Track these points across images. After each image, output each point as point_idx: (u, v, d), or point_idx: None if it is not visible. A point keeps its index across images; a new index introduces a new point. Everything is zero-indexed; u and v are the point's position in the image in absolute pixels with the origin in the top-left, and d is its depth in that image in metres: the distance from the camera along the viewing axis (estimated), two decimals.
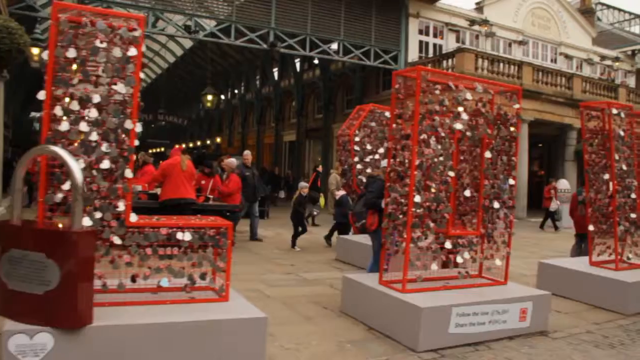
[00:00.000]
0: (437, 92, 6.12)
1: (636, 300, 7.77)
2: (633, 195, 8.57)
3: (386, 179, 6.43)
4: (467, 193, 6.65)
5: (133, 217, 4.85)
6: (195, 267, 5.18)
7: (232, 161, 12.54)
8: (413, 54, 24.06)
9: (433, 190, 6.07)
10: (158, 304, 4.98)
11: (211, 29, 20.67)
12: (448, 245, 6.27)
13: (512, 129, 6.77)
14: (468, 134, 6.37)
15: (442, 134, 6.11)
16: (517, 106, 6.79)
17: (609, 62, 32.27)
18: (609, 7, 42.89)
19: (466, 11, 27.01)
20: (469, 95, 6.28)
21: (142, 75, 4.90)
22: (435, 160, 6.08)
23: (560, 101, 23.81)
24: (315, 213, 12.59)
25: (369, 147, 11.13)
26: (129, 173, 4.78)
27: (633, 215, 8.60)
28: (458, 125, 6.20)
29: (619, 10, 43.36)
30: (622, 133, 8.35)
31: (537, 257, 12.66)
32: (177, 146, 11.21)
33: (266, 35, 21.03)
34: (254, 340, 4.82)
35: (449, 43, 25.83)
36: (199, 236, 5.10)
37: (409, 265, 6.12)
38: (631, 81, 33.42)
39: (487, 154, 6.55)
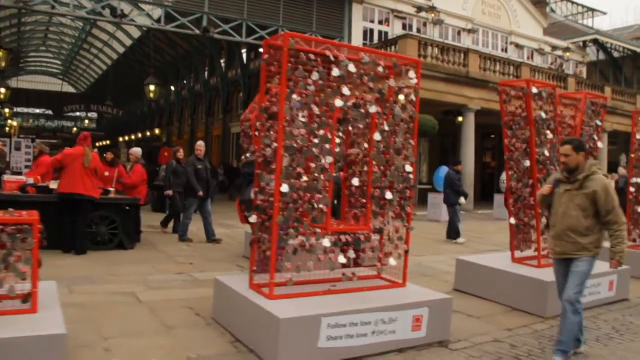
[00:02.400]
0: (313, 62, 5.17)
1: (555, 301, 6.93)
2: None
3: (256, 166, 5.48)
4: (356, 182, 5.74)
5: None
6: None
7: (138, 151, 11.47)
8: (357, 41, 23.13)
9: (306, 178, 5.13)
10: None
11: (140, 13, 19.51)
12: (327, 243, 5.33)
13: (409, 107, 5.85)
14: (352, 112, 5.42)
15: (317, 112, 5.17)
16: (414, 81, 5.87)
17: (560, 53, 31.89)
18: None
19: None
20: (352, 67, 5.34)
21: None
22: (309, 143, 5.14)
23: None
24: None
25: None
26: None
27: None
28: (338, 103, 5.26)
29: (573, 3, 43.22)
30: (544, 115, 7.51)
31: (471, 252, 11.90)
32: (84, 133, 10.03)
33: (200, 20, 19.89)
34: None
35: (396, 30, 24.96)
36: None
37: (285, 267, 5.21)
38: (583, 72, 33.16)
39: (377, 136, 5.62)
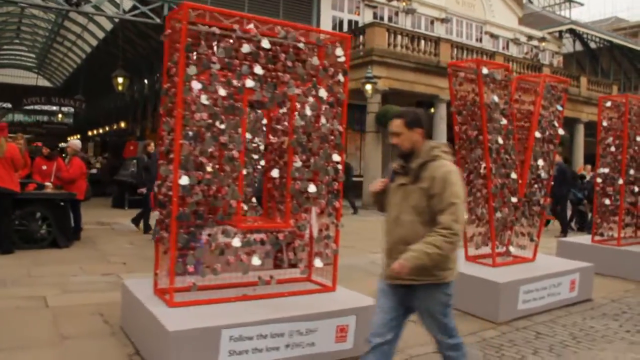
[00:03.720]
0: (217, 37, 4.53)
1: (509, 305, 6.35)
2: (513, 175, 7.15)
3: (160, 156, 4.83)
4: (275, 173, 5.11)
5: None
6: None
7: (76, 143, 10.75)
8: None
9: (209, 169, 4.48)
10: None
11: (99, 1, 18.70)
12: (237, 242, 4.68)
13: (336, 89, 5.21)
14: (265, 94, 4.76)
15: (223, 94, 4.51)
16: (342, 59, 5.24)
17: (535, 43, 31.48)
18: None
19: None
20: (265, 43, 4.70)
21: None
22: (214, 129, 4.49)
23: None
24: None
25: None
26: None
27: (514, 200, 7.20)
28: (249, 83, 4.61)
29: None
30: (497, 99, 6.90)
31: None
32: (0, 124, 9.28)
33: (160, 8, 19.13)
34: None
35: (366, 19, 24.27)
36: None
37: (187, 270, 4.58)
38: (560, 62, 32.87)
39: (298, 121, 4.98)
